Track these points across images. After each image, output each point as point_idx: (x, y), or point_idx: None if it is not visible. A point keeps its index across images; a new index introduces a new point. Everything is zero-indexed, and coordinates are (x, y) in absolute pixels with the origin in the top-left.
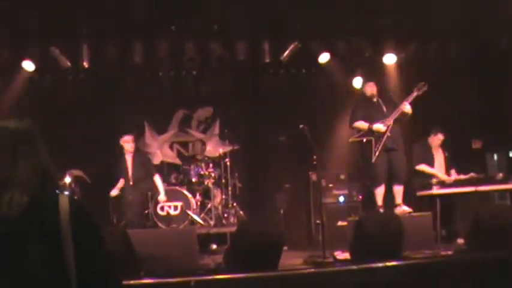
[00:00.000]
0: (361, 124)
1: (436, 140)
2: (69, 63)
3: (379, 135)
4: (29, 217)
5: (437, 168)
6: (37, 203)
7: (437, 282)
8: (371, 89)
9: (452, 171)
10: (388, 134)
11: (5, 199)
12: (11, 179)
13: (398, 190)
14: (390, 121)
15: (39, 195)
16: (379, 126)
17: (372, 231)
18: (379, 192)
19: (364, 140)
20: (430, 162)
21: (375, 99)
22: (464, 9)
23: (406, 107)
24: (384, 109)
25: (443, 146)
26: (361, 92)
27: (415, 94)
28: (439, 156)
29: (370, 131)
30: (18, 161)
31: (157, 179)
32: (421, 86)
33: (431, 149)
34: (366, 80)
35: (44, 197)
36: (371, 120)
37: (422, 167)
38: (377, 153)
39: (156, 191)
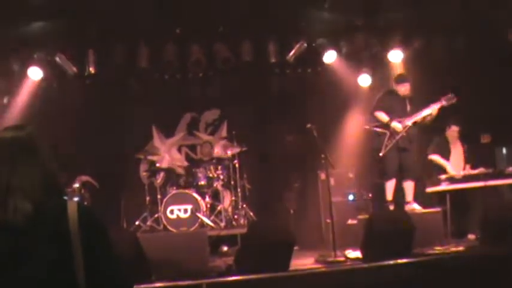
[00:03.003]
0: (382, 116)
1: (452, 132)
2: (75, 69)
3: (394, 132)
4: (36, 224)
5: (454, 162)
6: (43, 210)
7: (449, 278)
8: (405, 89)
9: (467, 167)
10: (403, 133)
11: (10, 207)
12: (12, 187)
13: (408, 187)
14: (409, 122)
15: (45, 202)
16: (396, 125)
17: (382, 229)
18: (389, 186)
19: (379, 130)
20: (446, 156)
21: (401, 97)
22: (470, 2)
23: (432, 110)
24: (408, 107)
25: (462, 138)
26: (394, 87)
27: (441, 104)
28: (457, 150)
29: (387, 125)
30: (18, 170)
31: None
32: (450, 97)
33: (449, 143)
34: (402, 80)
35: (51, 204)
36: (392, 113)
37: (435, 157)
38: (387, 149)
39: None
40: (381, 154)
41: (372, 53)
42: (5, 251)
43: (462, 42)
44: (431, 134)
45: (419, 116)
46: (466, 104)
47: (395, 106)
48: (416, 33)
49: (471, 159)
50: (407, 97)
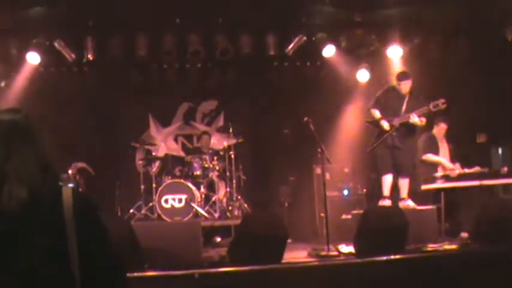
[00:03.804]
0: (375, 113)
1: (440, 130)
2: (73, 56)
3: (382, 130)
4: (31, 210)
5: (443, 158)
6: (38, 196)
7: (442, 276)
8: (405, 87)
9: (457, 165)
10: (393, 133)
11: (4, 193)
12: (7, 172)
13: (403, 184)
14: (397, 123)
15: (40, 188)
16: (384, 124)
17: (376, 225)
18: (384, 181)
19: (371, 126)
20: (435, 153)
21: (399, 95)
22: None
23: (414, 119)
24: (404, 107)
25: (448, 137)
26: (395, 84)
27: (426, 108)
28: (443, 148)
29: (377, 123)
30: (14, 154)
31: None
32: (439, 103)
33: (437, 140)
34: (404, 77)
35: (45, 190)
36: (388, 111)
37: (428, 156)
38: (373, 146)
39: None
40: (367, 151)
41: (371, 49)
42: (0, 238)
43: (461, 41)
44: (419, 132)
45: (405, 119)
46: (463, 103)
47: (392, 104)
48: (415, 30)
49: (464, 158)
50: (407, 94)
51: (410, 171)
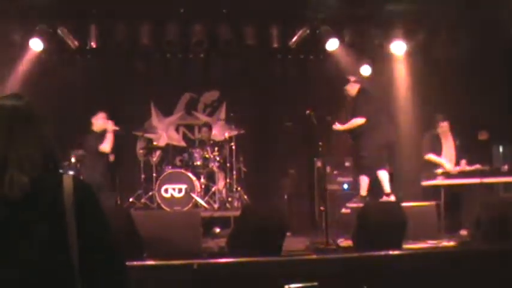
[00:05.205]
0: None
1: (443, 128)
2: (76, 43)
3: None
4: (33, 198)
5: (446, 157)
6: (39, 183)
7: (440, 273)
8: (348, 92)
9: (463, 162)
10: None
11: (6, 180)
12: (9, 159)
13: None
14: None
15: (42, 175)
16: None
17: (375, 220)
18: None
19: None
20: (438, 152)
21: (348, 99)
22: None
23: (335, 127)
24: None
25: (453, 133)
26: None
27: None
28: (448, 145)
29: None
30: (16, 140)
31: None
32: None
33: (440, 138)
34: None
35: (47, 178)
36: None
37: (430, 156)
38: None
39: None
40: None
41: (375, 44)
42: (1, 225)
43: (464, 39)
44: (421, 131)
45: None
46: (465, 101)
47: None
48: (419, 27)
49: (467, 155)
50: (354, 99)
51: (369, 171)
